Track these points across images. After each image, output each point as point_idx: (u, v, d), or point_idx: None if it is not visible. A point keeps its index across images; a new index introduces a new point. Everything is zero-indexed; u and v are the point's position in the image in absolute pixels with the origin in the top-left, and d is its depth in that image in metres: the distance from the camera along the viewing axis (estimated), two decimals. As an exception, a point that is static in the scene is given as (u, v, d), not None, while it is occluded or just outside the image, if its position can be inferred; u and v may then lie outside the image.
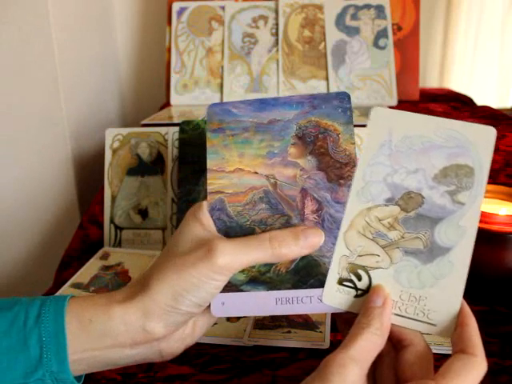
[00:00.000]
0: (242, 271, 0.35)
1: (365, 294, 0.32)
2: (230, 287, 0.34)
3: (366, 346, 0.29)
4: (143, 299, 0.32)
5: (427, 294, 0.32)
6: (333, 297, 0.33)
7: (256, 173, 0.35)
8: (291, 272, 0.34)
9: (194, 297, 0.32)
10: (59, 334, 0.32)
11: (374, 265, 0.33)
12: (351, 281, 0.33)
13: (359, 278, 0.33)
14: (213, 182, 0.36)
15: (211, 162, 0.36)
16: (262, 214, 0.35)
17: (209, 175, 0.36)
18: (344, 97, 0.35)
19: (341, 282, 0.33)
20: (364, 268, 0.33)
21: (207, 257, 0.31)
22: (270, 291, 0.34)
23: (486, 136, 0.32)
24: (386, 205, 0.33)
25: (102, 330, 0.32)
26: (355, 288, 0.33)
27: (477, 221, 0.32)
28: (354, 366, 0.28)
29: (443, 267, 0.31)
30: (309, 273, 0.34)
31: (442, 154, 0.33)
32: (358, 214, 0.33)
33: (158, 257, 0.35)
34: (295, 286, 0.34)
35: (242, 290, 0.34)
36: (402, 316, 0.32)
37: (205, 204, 0.35)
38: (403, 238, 0.32)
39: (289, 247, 0.32)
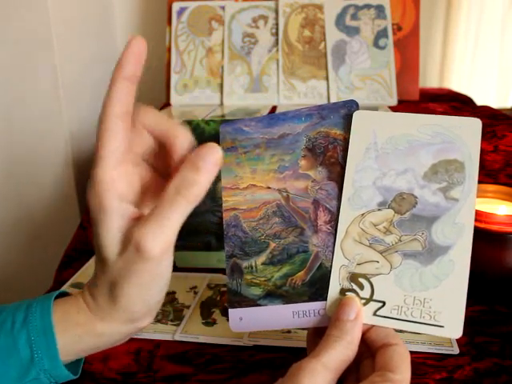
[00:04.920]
0: (258, 286, 0.35)
1: (369, 302, 0.32)
2: (247, 302, 0.35)
3: (338, 357, 0.29)
4: (121, 314, 0.32)
5: (431, 296, 0.31)
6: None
7: (268, 187, 0.36)
8: (307, 284, 0.34)
9: (158, 286, 0.32)
10: (47, 331, 0.32)
11: (374, 272, 0.32)
12: (353, 290, 0.32)
13: (361, 287, 0.32)
14: (227, 200, 0.36)
15: (225, 180, 0.37)
16: (275, 227, 0.35)
17: (223, 193, 0.36)
18: (352, 105, 0.34)
19: (343, 292, 0.33)
20: (365, 276, 0.32)
21: (141, 258, 0.29)
22: (286, 304, 0.34)
23: (471, 128, 0.32)
24: (379, 209, 0.33)
25: (92, 340, 0.33)
26: (358, 297, 0.32)
27: (473, 216, 0.31)
28: (327, 374, 0.28)
29: (444, 267, 0.31)
30: (324, 285, 0.33)
31: (430, 151, 0.32)
32: (352, 222, 0.33)
33: (95, 260, 0.33)
34: (311, 299, 0.34)
35: (259, 305, 0.35)
36: (409, 321, 0.31)
37: (100, 185, 0.30)
38: (401, 241, 0.32)
39: (196, 182, 0.29)
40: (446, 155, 0.32)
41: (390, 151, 0.33)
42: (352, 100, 0.35)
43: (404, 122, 0.33)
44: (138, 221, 0.30)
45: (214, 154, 0.29)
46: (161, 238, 0.29)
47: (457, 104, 0.87)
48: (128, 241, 0.30)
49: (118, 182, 0.31)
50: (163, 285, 0.32)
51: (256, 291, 0.35)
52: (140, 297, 0.31)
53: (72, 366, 0.34)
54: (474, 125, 0.32)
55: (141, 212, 0.32)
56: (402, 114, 0.33)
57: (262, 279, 0.35)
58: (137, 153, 0.33)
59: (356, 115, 0.34)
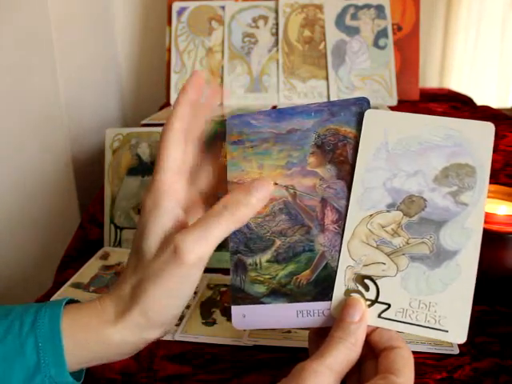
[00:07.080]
0: (262, 283, 0.35)
1: (374, 303, 0.32)
2: (251, 299, 0.35)
3: (342, 358, 0.29)
4: (136, 316, 0.32)
5: (437, 300, 0.31)
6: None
7: (275, 184, 0.35)
8: (312, 284, 0.34)
9: (181, 296, 0.32)
10: (55, 339, 0.31)
11: (380, 273, 0.32)
12: (359, 291, 0.32)
13: (366, 289, 0.32)
14: None
15: (231, 175, 0.36)
16: (281, 225, 0.35)
17: (229, 187, 0.36)
18: (363, 102, 0.34)
19: (348, 293, 0.32)
20: (370, 277, 0.32)
21: (175, 260, 0.30)
22: (291, 303, 0.34)
23: (484, 132, 0.31)
24: (387, 211, 0.32)
25: (99, 348, 0.32)
26: (364, 299, 0.32)
27: (482, 221, 0.31)
28: (331, 375, 0.28)
29: (451, 271, 0.30)
30: (330, 285, 0.33)
31: (441, 154, 0.32)
32: (359, 223, 0.33)
33: (129, 260, 0.34)
34: (316, 298, 0.33)
35: (262, 303, 0.34)
36: (413, 324, 0.31)
37: (158, 190, 0.33)
38: (408, 243, 0.32)
39: (246, 205, 0.31)
40: (457, 159, 0.31)
41: (400, 152, 0.32)
42: (363, 97, 0.34)
43: (416, 123, 0.32)
44: (181, 230, 0.32)
45: (266, 187, 0.32)
46: (200, 246, 0.30)
47: (457, 104, 0.87)
48: (168, 244, 0.31)
49: (177, 187, 0.34)
50: (185, 296, 0.32)
51: (260, 289, 0.35)
52: (160, 301, 0.32)
53: (75, 371, 0.34)
54: (487, 129, 0.31)
55: (187, 222, 0.34)
56: (414, 114, 0.33)
57: (267, 277, 0.35)
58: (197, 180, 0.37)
59: (368, 114, 0.33)
